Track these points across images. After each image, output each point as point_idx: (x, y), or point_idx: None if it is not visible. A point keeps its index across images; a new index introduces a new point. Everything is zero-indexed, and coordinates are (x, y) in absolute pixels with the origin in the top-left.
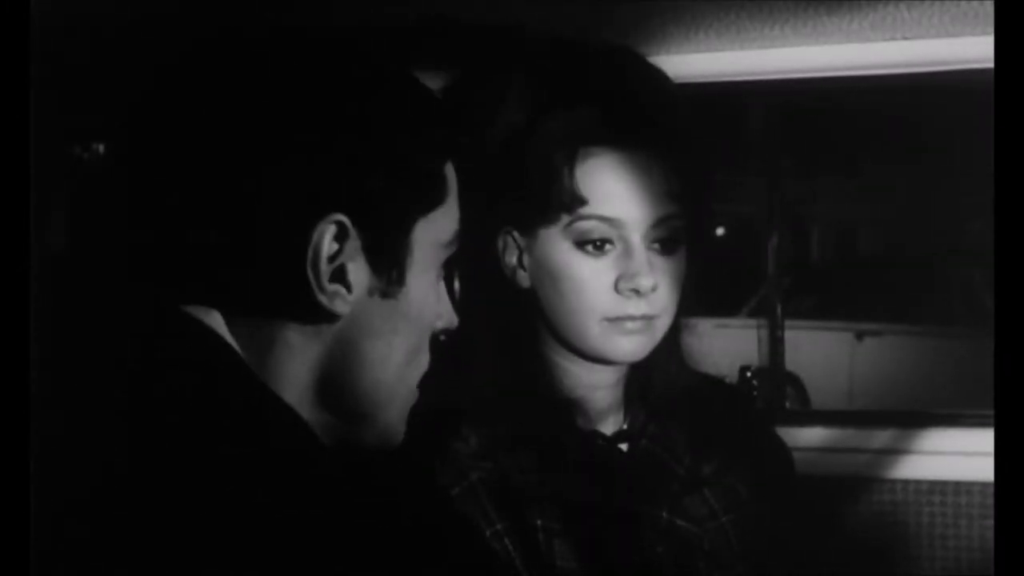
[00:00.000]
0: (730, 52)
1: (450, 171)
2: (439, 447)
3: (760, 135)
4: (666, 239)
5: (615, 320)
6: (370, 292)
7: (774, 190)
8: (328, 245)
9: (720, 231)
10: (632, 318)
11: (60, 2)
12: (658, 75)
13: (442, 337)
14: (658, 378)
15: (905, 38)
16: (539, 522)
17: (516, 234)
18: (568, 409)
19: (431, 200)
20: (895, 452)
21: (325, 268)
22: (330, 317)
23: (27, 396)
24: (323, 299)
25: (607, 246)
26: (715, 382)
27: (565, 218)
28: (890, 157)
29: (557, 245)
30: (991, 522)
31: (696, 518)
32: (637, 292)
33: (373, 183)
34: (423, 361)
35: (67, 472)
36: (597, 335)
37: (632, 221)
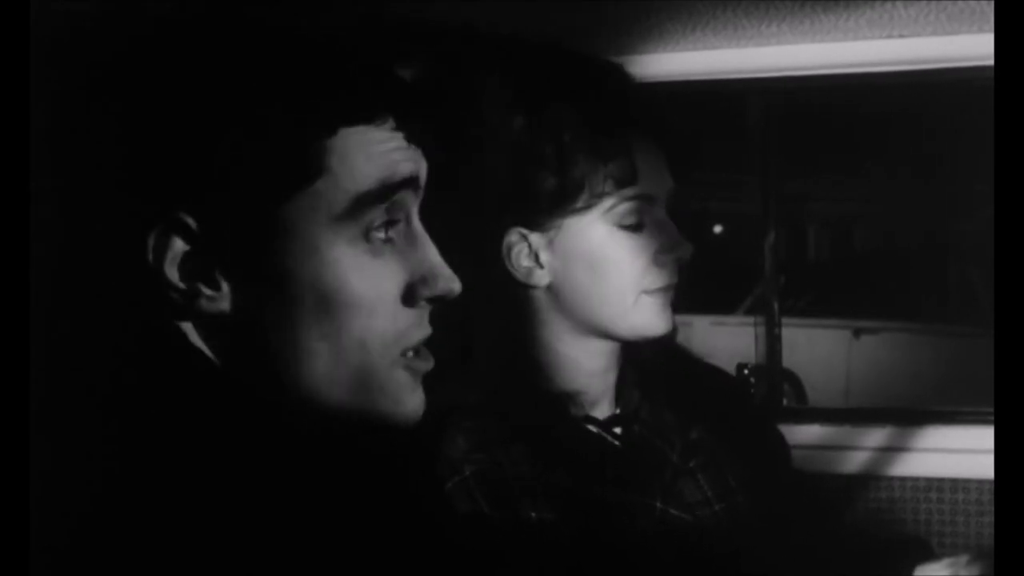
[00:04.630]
0: (727, 50)
1: (334, 142)
2: (438, 441)
3: (757, 133)
4: (675, 213)
5: (653, 292)
6: (253, 281)
7: (770, 188)
8: (174, 246)
9: (717, 229)
10: (669, 288)
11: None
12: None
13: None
14: (650, 356)
15: (902, 36)
16: (533, 515)
17: (528, 234)
18: (562, 399)
19: (299, 178)
20: (892, 449)
21: (172, 270)
22: (199, 316)
23: (27, 396)
24: (178, 299)
25: (645, 221)
26: (712, 369)
27: (607, 202)
28: (887, 155)
29: (594, 230)
30: (988, 519)
31: (690, 505)
32: (679, 261)
33: (216, 173)
34: (400, 331)
35: (66, 471)
36: (634, 310)
37: (659, 195)
